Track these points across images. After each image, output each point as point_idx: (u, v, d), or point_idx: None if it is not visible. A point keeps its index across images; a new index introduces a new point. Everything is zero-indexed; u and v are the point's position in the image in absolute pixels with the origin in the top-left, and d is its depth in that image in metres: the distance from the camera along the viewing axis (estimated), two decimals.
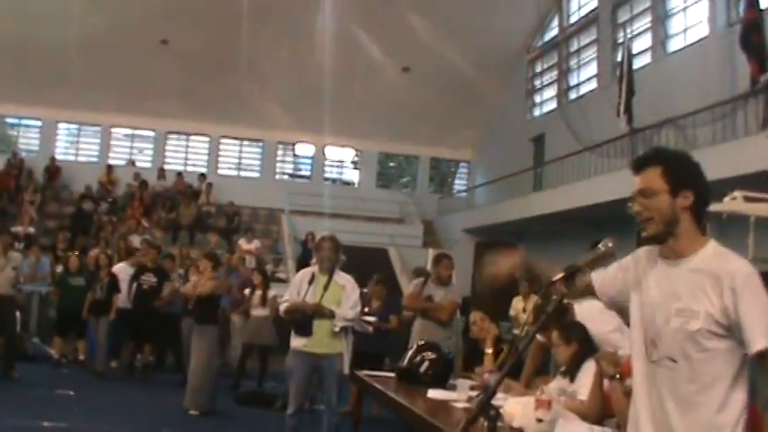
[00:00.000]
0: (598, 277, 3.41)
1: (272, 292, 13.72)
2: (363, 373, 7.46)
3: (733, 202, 9.87)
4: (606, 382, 4.64)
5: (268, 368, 13.59)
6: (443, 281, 9.68)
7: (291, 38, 24.11)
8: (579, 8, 24.50)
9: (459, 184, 32.34)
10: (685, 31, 19.26)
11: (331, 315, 7.94)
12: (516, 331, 12.94)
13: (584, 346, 5.12)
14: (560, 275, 3.30)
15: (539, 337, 6.12)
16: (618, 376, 4.31)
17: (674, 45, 19.57)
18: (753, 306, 2.86)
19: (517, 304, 14.20)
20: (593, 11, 23.46)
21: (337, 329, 7.98)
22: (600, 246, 3.36)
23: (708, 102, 16.07)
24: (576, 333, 5.19)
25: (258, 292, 13.80)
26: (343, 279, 8.24)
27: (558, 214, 20.06)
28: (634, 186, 3.18)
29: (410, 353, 7.08)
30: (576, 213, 19.14)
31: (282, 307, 8.43)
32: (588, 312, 5.43)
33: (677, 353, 2.99)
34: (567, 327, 5.14)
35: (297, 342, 8.10)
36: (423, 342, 7.37)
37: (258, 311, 13.67)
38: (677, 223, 3.06)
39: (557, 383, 5.20)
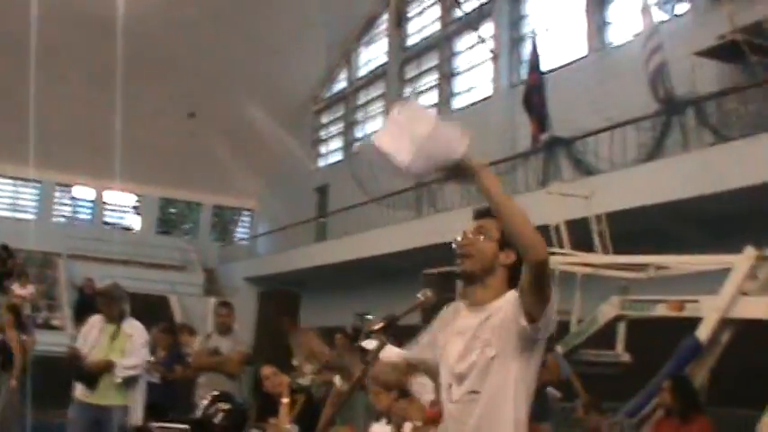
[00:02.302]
0: (413, 351, 3.42)
1: (24, 337, 12.71)
2: (155, 425, 7.03)
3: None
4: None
5: None
6: (225, 330, 9.31)
7: (74, 75, 23.19)
8: (368, 62, 24.98)
9: (242, 232, 32.02)
10: (470, 90, 19.96)
11: (107, 365, 7.46)
12: (301, 380, 12.71)
13: (402, 391, 5.03)
14: (380, 325, 3.23)
15: (338, 384, 6.03)
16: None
17: (458, 102, 20.22)
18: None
19: None
20: (381, 66, 23.97)
21: (119, 380, 7.51)
22: (419, 295, 3.31)
23: (490, 158, 16.61)
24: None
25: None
26: (132, 328, 7.78)
27: (341, 264, 20.12)
28: (470, 226, 3.16)
29: (204, 403, 6.75)
30: (361, 263, 19.27)
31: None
32: (393, 356, 5.34)
33: (478, 387, 3.02)
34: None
35: (79, 392, 7.57)
36: (217, 393, 7.06)
37: None
38: (492, 273, 3.10)
39: (380, 429, 5.08)
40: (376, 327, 3.23)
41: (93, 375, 7.43)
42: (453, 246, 3.16)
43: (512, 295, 2.99)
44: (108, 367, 7.44)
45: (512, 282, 3.10)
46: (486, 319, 3.04)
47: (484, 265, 3.07)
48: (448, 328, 3.20)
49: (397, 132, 2.87)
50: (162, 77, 23.68)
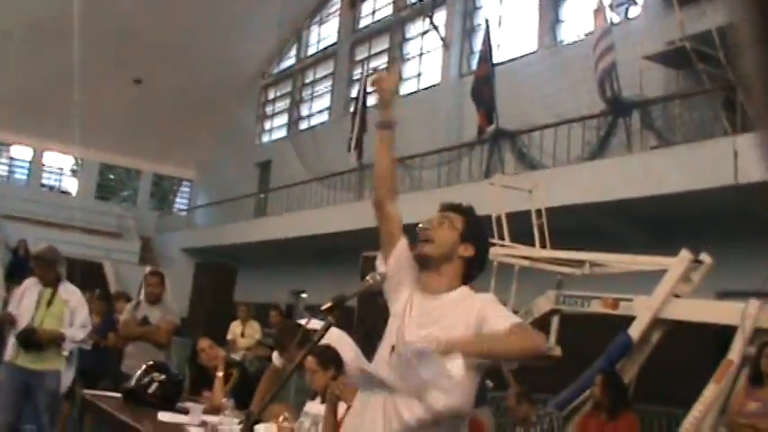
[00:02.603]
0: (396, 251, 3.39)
1: None
2: (86, 392, 6.98)
3: None
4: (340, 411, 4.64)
5: None
6: (154, 299, 9.18)
7: (20, 33, 22.73)
8: (318, 41, 24.89)
9: (181, 202, 31.76)
10: (419, 76, 20.01)
11: (59, 337, 7.38)
12: (234, 355, 12.71)
13: (339, 370, 5.06)
14: (329, 305, 3.25)
15: (276, 361, 6.04)
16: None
17: (407, 88, 20.25)
18: (497, 313, 3.03)
19: (235, 328, 14.00)
20: (331, 45, 23.90)
21: (66, 353, 7.43)
22: (368, 278, 3.34)
23: (436, 146, 16.72)
24: (332, 358, 5.11)
25: None
26: (68, 292, 7.68)
27: (280, 241, 20.09)
28: (435, 215, 3.30)
29: (138, 373, 6.71)
30: (299, 242, 19.26)
31: None
32: (334, 336, 5.38)
33: None
34: (322, 352, 5.04)
35: (10, 355, 7.46)
36: (152, 362, 7.02)
37: None
38: (449, 262, 3.20)
39: (314, 408, 5.09)
40: (324, 306, 3.25)
41: (40, 344, 7.33)
42: (416, 229, 3.25)
43: (472, 310, 3.06)
44: (58, 339, 7.36)
45: (466, 275, 3.24)
46: (443, 305, 3.12)
47: (443, 251, 3.18)
48: (409, 290, 3.25)
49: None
50: (111, 41, 23.31)
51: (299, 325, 5.82)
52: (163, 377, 6.70)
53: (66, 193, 29.71)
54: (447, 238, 3.19)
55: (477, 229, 3.31)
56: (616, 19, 14.20)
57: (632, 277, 8.85)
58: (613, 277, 9.22)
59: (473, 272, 3.26)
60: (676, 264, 8.14)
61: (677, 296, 8.12)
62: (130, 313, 9.21)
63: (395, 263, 3.29)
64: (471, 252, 3.20)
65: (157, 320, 8.88)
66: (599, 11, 13.48)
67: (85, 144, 26.84)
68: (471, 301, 3.10)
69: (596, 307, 8.73)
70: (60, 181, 30.00)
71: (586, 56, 13.52)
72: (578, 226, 11.92)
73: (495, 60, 15.81)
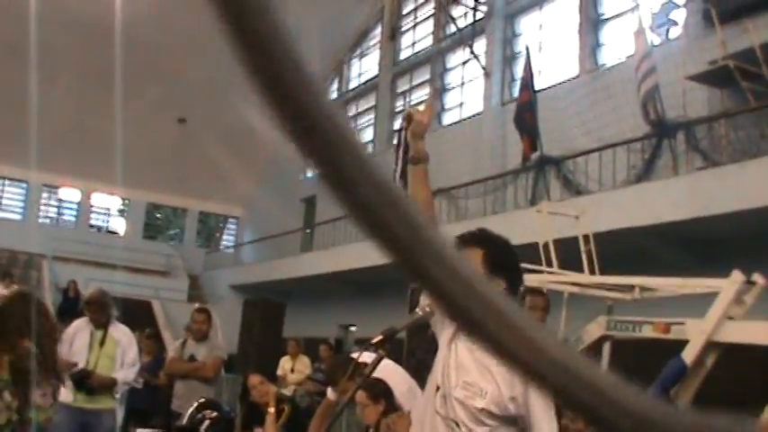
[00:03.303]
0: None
1: None
2: (139, 431, 7.03)
3: None
4: None
5: None
6: (201, 336, 9.19)
7: (66, 77, 23.15)
8: (360, 74, 25.02)
9: (228, 239, 31.96)
10: (461, 105, 20.02)
11: (112, 383, 7.45)
12: (285, 391, 12.71)
13: (390, 404, 5.03)
14: (380, 338, 3.21)
15: (330, 395, 6.02)
16: None
17: (449, 118, 20.28)
18: (539, 406, 2.89)
19: (285, 364, 14.03)
20: (372, 78, 24.01)
21: (119, 396, 7.51)
22: (417, 310, 3.30)
23: (480, 175, 16.69)
24: (383, 392, 5.08)
25: None
26: (119, 332, 7.76)
27: (327, 276, 20.11)
28: None
29: (190, 410, 6.74)
30: (346, 275, 19.27)
31: None
32: (386, 369, 5.35)
33: (460, 420, 2.95)
34: (372, 385, 5.01)
35: (66, 396, 7.52)
36: (203, 400, 7.05)
37: None
38: None
39: None
40: (375, 339, 3.22)
41: (95, 388, 7.42)
42: None
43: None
44: (112, 384, 7.44)
45: None
46: (482, 361, 2.98)
47: None
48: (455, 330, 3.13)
49: None
50: (154, 82, 23.65)
51: (351, 358, 5.80)
52: (214, 414, 6.74)
53: (113, 233, 30.05)
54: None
55: (500, 257, 3.10)
56: (657, 40, 14.12)
57: (683, 301, 8.73)
58: (664, 301, 9.10)
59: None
60: (728, 285, 8.00)
61: (730, 318, 7.99)
62: (177, 351, 9.26)
63: None
64: (503, 287, 3.02)
65: (204, 357, 8.92)
66: (639, 33, 13.43)
67: (132, 184, 27.20)
68: None
69: (648, 332, 8.61)
70: (108, 221, 30.39)
71: (628, 79, 13.46)
72: (627, 250, 11.80)
73: (536, 87, 15.80)
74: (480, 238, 3.14)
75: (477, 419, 2.91)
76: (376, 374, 5.14)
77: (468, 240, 3.11)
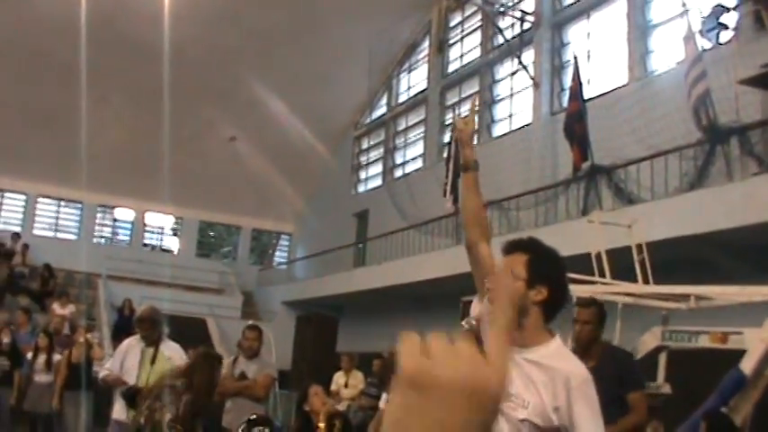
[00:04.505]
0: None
1: (57, 357, 12.78)
2: None
3: None
4: None
5: None
6: (252, 354, 9.18)
7: (117, 98, 23.51)
8: (408, 88, 25.06)
9: (280, 256, 32.12)
10: (510, 117, 19.94)
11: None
12: (338, 406, 12.72)
13: None
14: None
15: (383, 405, 6.02)
16: None
17: (499, 130, 20.20)
18: (585, 415, 2.86)
19: (339, 379, 14.05)
20: (421, 92, 24.03)
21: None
22: (463, 323, 3.28)
23: (531, 186, 16.59)
24: None
25: (43, 357, 12.70)
26: (171, 350, 7.82)
27: (380, 290, 20.10)
28: (498, 265, 3.16)
29: (242, 426, 6.75)
30: (399, 289, 19.24)
31: (102, 374, 7.91)
32: None
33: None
34: None
35: (120, 414, 7.59)
36: (254, 416, 7.06)
37: (41, 377, 12.60)
38: (525, 314, 3.03)
39: None
40: None
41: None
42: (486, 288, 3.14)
43: (564, 385, 2.90)
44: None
45: (546, 318, 3.07)
46: (525, 362, 2.98)
47: (513, 308, 3.01)
48: None
49: None
50: (204, 101, 23.91)
51: None
52: (266, 430, 6.73)
53: (167, 251, 30.35)
54: (513, 292, 3.02)
55: (544, 264, 3.10)
56: (707, 45, 13.92)
57: (740, 309, 8.57)
58: (721, 310, 8.94)
59: (553, 312, 3.09)
60: None
61: None
62: (228, 368, 9.27)
63: (486, 308, 3.21)
64: (545, 294, 3.02)
65: (254, 375, 8.92)
66: (689, 38, 13.25)
67: (184, 203, 27.52)
68: (564, 372, 2.93)
69: (704, 342, 8.46)
70: (162, 240, 30.70)
71: (678, 85, 13.28)
72: (681, 259, 11.63)
73: (585, 96, 15.65)
74: (527, 245, 3.16)
75: (518, 429, 2.87)
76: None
77: (515, 246, 3.15)
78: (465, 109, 21.09)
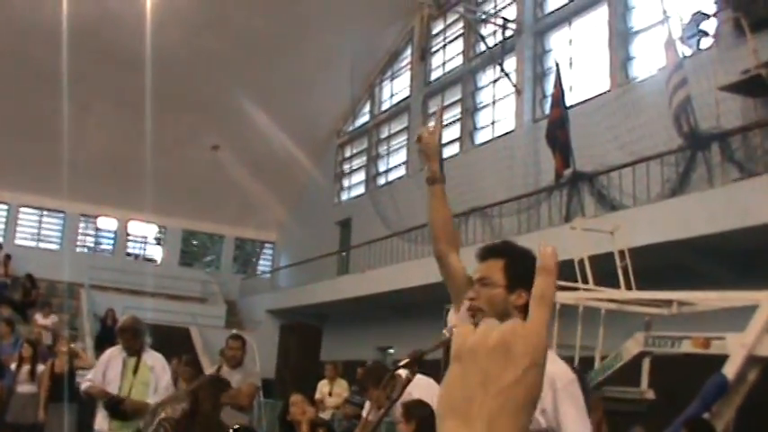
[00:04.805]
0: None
1: (41, 367, 12.71)
2: None
3: None
4: None
5: None
6: (235, 363, 9.14)
7: (100, 107, 23.42)
8: (391, 96, 25.08)
9: (264, 264, 32.06)
10: (493, 124, 19.98)
11: (146, 408, 7.44)
12: (323, 415, 12.69)
13: (424, 425, 4.99)
14: (407, 360, 3.17)
15: (365, 413, 6.03)
16: None
17: (481, 137, 20.24)
18: (571, 415, 2.87)
19: (323, 387, 14.01)
20: (404, 99, 24.06)
21: (154, 426, 7.50)
22: (444, 331, 3.27)
23: (513, 193, 16.61)
24: (418, 412, 5.06)
25: (27, 367, 12.59)
26: (153, 359, 7.77)
27: (363, 298, 20.08)
28: (475, 273, 3.12)
29: None
30: (383, 297, 19.22)
31: (84, 386, 7.85)
32: (422, 384, 5.31)
33: None
34: (411, 405, 5.00)
35: (102, 424, 7.55)
36: (238, 426, 7.02)
37: (25, 388, 12.49)
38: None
39: None
40: (402, 362, 3.19)
41: (128, 414, 7.44)
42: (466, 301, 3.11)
43: (547, 389, 2.85)
44: (145, 408, 7.44)
45: None
46: None
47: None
48: None
49: None
50: (187, 109, 23.87)
51: (386, 368, 5.78)
52: None
53: (150, 260, 30.24)
54: (494, 298, 2.99)
55: (521, 267, 3.02)
56: (688, 51, 13.99)
57: (723, 315, 8.60)
58: (703, 316, 8.98)
59: None
60: None
61: None
62: None
63: (462, 318, 3.20)
64: (525, 298, 2.96)
65: (238, 384, 8.88)
66: (670, 45, 13.31)
67: (168, 212, 27.45)
68: (549, 374, 2.82)
69: (687, 347, 8.48)
70: (145, 249, 30.59)
71: (660, 91, 13.35)
72: (663, 265, 11.67)
73: (568, 103, 15.70)
74: (501, 249, 3.13)
75: None
76: (414, 389, 5.12)
77: (490, 251, 3.11)
78: (448, 116, 21.16)
